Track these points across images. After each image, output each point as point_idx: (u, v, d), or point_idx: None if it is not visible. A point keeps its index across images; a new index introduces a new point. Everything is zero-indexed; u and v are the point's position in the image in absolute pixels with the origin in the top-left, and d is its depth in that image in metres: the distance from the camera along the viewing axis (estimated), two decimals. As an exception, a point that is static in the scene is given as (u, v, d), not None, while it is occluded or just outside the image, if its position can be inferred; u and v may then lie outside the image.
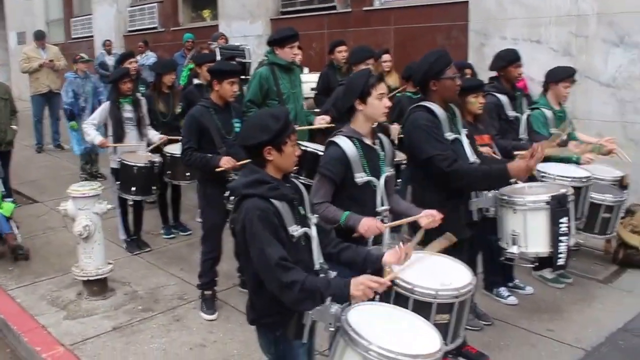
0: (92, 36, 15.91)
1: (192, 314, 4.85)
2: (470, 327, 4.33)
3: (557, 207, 3.65)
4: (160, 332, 4.58)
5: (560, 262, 3.71)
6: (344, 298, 2.47)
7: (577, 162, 4.88)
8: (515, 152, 4.09)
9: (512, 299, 4.97)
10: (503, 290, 5.01)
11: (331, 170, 3.18)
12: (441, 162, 3.43)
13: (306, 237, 2.68)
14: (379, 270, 2.75)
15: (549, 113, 5.03)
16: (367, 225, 3.10)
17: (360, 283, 2.46)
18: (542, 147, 3.52)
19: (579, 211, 4.50)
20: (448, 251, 3.21)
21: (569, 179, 4.33)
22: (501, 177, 3.51)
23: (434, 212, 3.21)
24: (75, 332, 4.57)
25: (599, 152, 4.99)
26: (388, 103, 3.22)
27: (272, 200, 2.54)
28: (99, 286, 5.13)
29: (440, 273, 3.00)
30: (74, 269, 5.10)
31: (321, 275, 2.66)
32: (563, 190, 3.75)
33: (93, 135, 5.99)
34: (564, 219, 3.67)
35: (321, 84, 6.92)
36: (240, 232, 2.56)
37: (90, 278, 5.05)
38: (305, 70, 8.29)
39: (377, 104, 3.18)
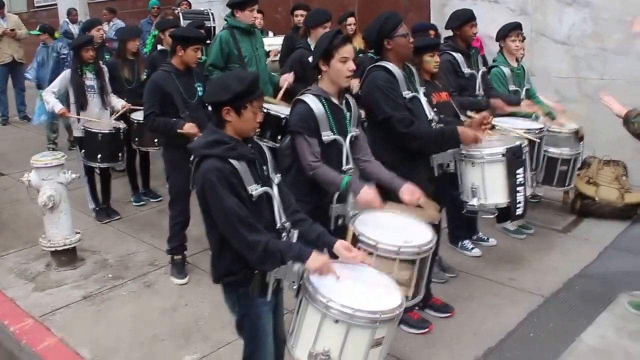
0: (55, 5, 15.24)
1: (162, 280, 4.73)
2: (435, 280, 4.35)
3: (513, 158, 3.68)
4: (131, 299, 4.46)
5: (519, 211, 3.75)
6: (301, 263, 2.46)
7: (536, 118, 4.87)
8: (468, 113, 4.04)
9: (476, 251, 4.98)
10: (467, 243, 5.02)
11: (303, 127, 3.07)
12: (398, 123, 3.38)
13: (268, 196, 2.60)
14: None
15: (507, 70, 5.04)
16: (365, 199, 3.00)
17: (320, 260, 2.44)
18: (491, 118, 3.65)
19: (534, 162, 4.51)
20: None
21: (523, 131, 4.32)
22: (452, 140, 3.52)
23: (415, 188, 3.14)
24: (44, 303, 4.41)
25: (549, 115, 5.01)
26: (352, 66, 3.08)
27: (231, 160, 2.46)
28: (67, 256, 4.95)
29: (403, 230, 2.96)
30: (41, 240, 4.91)
31: (283, 234, 2.61)
32: (518, 142, 3.76)
33: (53, 103, 5.70)
34: (520, 170, 3.69)
35: (285, 47, 6.73)
36: (199, 192, 2.49)
37: (58, 248, 4.87)
38: (270, 34, 8.08)
39: (340, 67, 3.05)
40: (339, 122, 3.17)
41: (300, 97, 3.16)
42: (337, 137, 3.14)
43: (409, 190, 3.13)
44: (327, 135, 3.10)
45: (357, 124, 3.33)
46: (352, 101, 3.32)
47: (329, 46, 3.03)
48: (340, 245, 2.63)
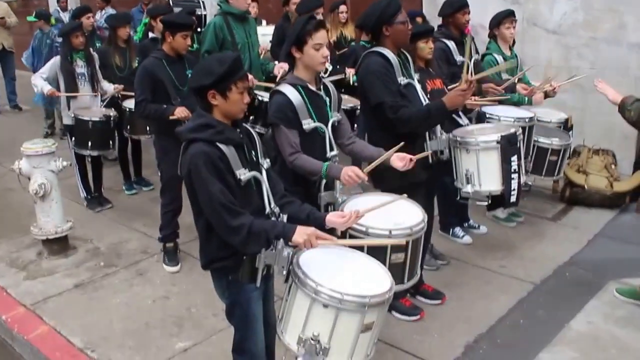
0: (45, -9, 15.08)
1: (155, 267, 4.71)
2: (427, 267, 4.35)
3: (508, 145, 3.68)
4: (123, 287, 4.43)
5: (512, 198, 3.76)
6: (287, 240, 2.44)
7: (529, 104, 4.87)
8: (450, 87, 4.02)
9: (467, 239, 4.99)
10: (458, 231, 5.03)
11: (281, 118, 3.01)
12: (387, 109, 3.37)
13: (257, 181, 2.58)
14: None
15: (500, 58, 5.01)
16: (347, 175, 2.95)
17: (305, 232, 2.41)
18: (473, 77, 3.52)
19: (524, 151, 4.50)
20: (407, 192, 3.14)
21: (513, 120, 4.31)
22: (440, 111, 3.42)
23: (406, 155, 3.09)
24: (35, 291, 4.38)
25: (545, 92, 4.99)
26: (326, 53, 3.00)
27: (219, 145, 2.42)
28: (59, 245, 4.92)
29: (393, 213, 2.94)
30: (33, 229, 4.86)
31: (272, 218, 2.58)
32: (513, 130, 3.76)
33: (40, 85, 5.60)
34: (514, 157, 3.70)
35: (276, 36, 6.67)
36: (186, 176, 2.46)
37: (50, 237, 4.83)
38: (263, 22, 8.03)
39: (313, 54, 2.96)
40: (318, 109, 3.10)
41: (277, 87, 3.10)
42: (318, 124, 3.07)
43: (399, 158, 3.09)
44: (308, 124, 3.03)
45: (338, 108, 3.27)
46: (330, 86, 3.25)
47: (302, 32, 2.94)
48: (331, 216, 2.61)
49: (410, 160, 3.09)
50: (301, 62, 3.04)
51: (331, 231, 2.66)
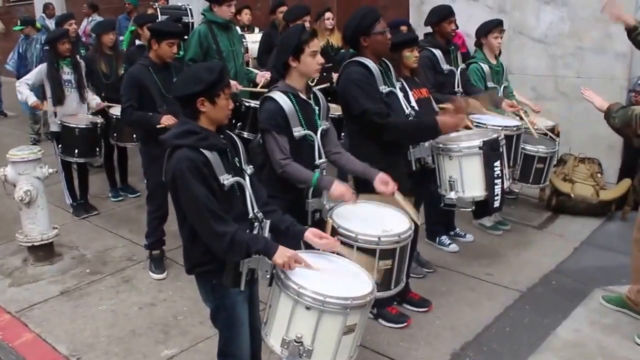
0: (31, -1, 15.05)
1: (141, 275, 4.71)
2: (413, 275, 4.37)
3: (490, 151, 3.70)
4: (109, 294, 4.43)
5: (496, 204, 3.77)
6: (267, 258, 2.50)
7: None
8: (440, 106, 4.07)
9: (454, 247, 5.02)
10: (445, 239, 5.06)
11: (272, 124, 3.05)
12: (374, 115, 3.40)
13: (240, 187, 2.63)
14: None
15: (486, 67, 5.06)
16: (339, 191, 3.01)
17: (286, 254, 2.46)
18: (466, 103, 3.66)
19: (511, 159, 4.55)
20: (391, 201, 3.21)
21: (501, 128, 4.36)
22: (430, 129, 3.51)
23: (388, 178, 3.15)
24: (21, 298, 4.37)
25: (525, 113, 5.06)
26: (321, 60, 3.10)
27: (202, 150, 2.49)
28: (45, 251, 4.90)
29: (381, 221, 3.01)
30: (18, 236, 4.85)
31: (255, 224, 2.63)
32: (495, 135, 3.78)
33: (26, 95, 5.61)
34: (497, 163, 3.73)
35: (263, 43, 6.74)
36: (171, 181, 2.51)
37: (35, 244, 4.82)
38: (256, 30, 8.08)
39: (310, 61, 3.06)
40: (308, 117, 3.16)
41: (269, 94, 3.14)
42: (308, 132, 3.13)
43: (382, 180, 3.15)
44: (298, 131, 3.09)
45: (327, 117, 3.33)
46: (319, 94, 3.31)
47: (299, 41, 3.02)
48: (310, 233, 2.66)
49: (393, 186, 3.15)
50: (297, 70, 3.10)
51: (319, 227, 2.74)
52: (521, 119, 4.92)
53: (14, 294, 4.44)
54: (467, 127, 4.01)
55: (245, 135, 4.72)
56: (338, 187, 3.01)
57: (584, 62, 6.32)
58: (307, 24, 5.11)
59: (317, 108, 3.23)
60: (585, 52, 6.30)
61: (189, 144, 2.48)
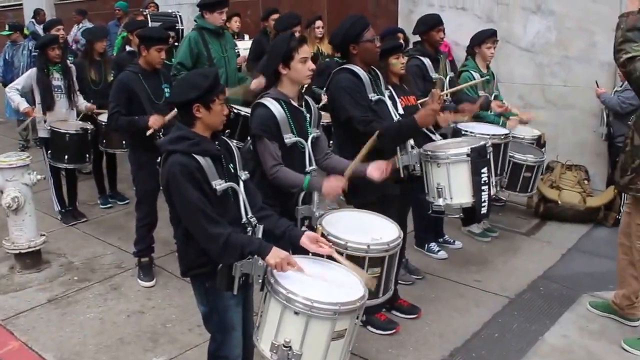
0: (21, 5, 14.96)
1: (129, 282, 4.66)
2: (402, 282, 4.37)
3: (477, 158, 3.69)
4: (97, 302, 4.38)
5: (483, 210, 3.76)
6: (261, 258, 2.51)
7: (503, 126, 4.93)
8: (420, 101, 4.06)
9: (442, 254, 5.02)
10: (433, 246, 5.06)
11: (264, 130, 3.05)
12: (358, 123, 3.41)
13: (235, 192, 2.66)
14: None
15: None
16: (329, 187, 3.00)
17: (279, 255, 2.48)
18: (440, 93, 3.60)
19: (499, 167, 4.56)
20: (379, 210, 3.22)
21: (489, 136, 4.37)
22: (411, 128, 3.46)
23: (381, 163, 3.15)
24: (7, 306, 4.30)
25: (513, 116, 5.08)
26: (312, 66, 3.10)
27: (196, 156, 2.52)
28: (32, 259, 4.85)
29: (370, 229, 3.01)
30: (5, 243, 4.80)
31: (249, 228, 2.66)
32: (482, 143, 3.79)
33: (17, 102, 5.56)
34: (484, 169, 3.72)
35: (253, 50, 6.76)
36: (165, 186, 2.56)
37: (22, 251, 4.77)
38: (246, 37, 8.09)
39: (301, 68, 3.06)
40: (299, 124, 3.16)
41: (260, 100, 3.14)
42: (299, 139, 3.13)
43: (375, 169, 3.15)
44: (289, 138, 3.09)
45: (318, 124, 3.33)
46: (311, 102, 3.32)
47: (288, 48, 3.03)
48: (306, 238, 2.67)
49: (385, 168, 3.15)
50: (287, 78, 3.10)
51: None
52: (508, 118, 4.95)
53: (0, 302, 4.37)
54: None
55: (234, 144, 4.69)
56: (328, 183, 3.00)
57: (570, 71, 6.37)
58: (297, 34, 5.11)
59: (308, 115, 3.23)
60: (571, 61, 6.35)
61: (181, 150, 2.52)
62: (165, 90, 4.50)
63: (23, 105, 5.57)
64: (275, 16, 6.76)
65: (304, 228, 2.99)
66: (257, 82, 5.14)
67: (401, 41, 4.40)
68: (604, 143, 5.97)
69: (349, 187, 3.14)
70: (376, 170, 3.15)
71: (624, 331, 3.83)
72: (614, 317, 3.96)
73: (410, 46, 5.06)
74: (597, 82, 5.77)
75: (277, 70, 3.09)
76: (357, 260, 2.80)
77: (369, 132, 3.37)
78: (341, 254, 2.79)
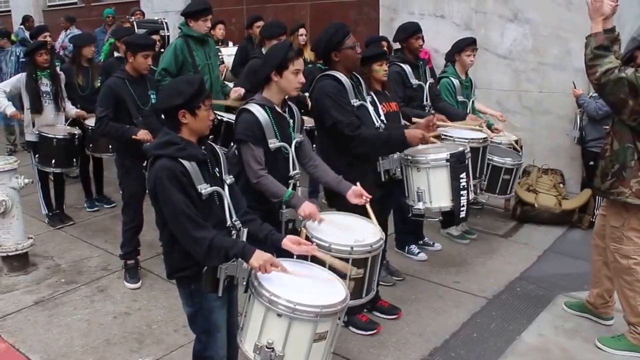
0: (9, 11, 14.84)
1: (116, 284, 4.64)
2: (383, 283, 4.39)
3: (456, 163, 3.74)
4: (84, 304, 4.36)
5: (462, 214, 3.81)
6: (245, 261, 2.53)
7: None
8: (414, 120, 4.12)
9: (422, 255, 5.05)
10: (414, 248, 5.09)
11: (248, 135, 3.08)
12: (345, 127, 3.43)
13: (220, 196, 2.67)
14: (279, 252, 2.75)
15: (456, 82, 5.13)
16: (307, 210, 3.04)
17: (262, 258, 2.49)
18: (437, 119, 3.70)
19: (478, 170, 4.61)
20: (361, 213, 3.25)
21: (467, 140, 4.42)
22: (399, 143, 3.55)
23: (362, 190, 3.21)
24: (-6, 308, 4.28)
25: (489, 126, 5.13)
26: (302, 79, 3.13)
27: (181, 160, 2.53)
28: (19, 261, 4.82)
29: (353, 231, 3.04)
30: (-8, 245, 4.76)
31: (233, 232, 2.68)
32: (461, 149, 3.84)
33: (3, 105, 5.55)
34: (463, 175, 3.77)
35: (238, 57, 6.78)
36: (151, 190, 2.56)
37: (10, 254, 4.73)
38: (230, 44, 8.10)
39: (292, 79, 3.09)
40: (283, 129, 3.19)
41: (245, 106, 3.16)
42: (283, 144, 3.16)
43: (355, 193, 3.21)
44: (273, 143, 3.12)
45: (301, 130, 3.37)
46: (294, 108, 3.35)
47: (285, 57, 3.06)
48: (288, 240, 2.70)
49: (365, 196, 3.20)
50: (277, 85, 3.12)
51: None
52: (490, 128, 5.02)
53: (-14, 305, 4.35)
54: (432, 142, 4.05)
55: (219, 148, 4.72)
56: (307, 207, 3.05)
57: (546, 77, 6.45)
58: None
59: (291, 121, 3.26)
60: (546, 68, 6.43)
61: (168, 154, 2.53)
62: (152, 96, 4.51)
63: (10, 109, 5.55)
64: (260, 23, 6.77)
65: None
66: (235, 91, 5.18)
67: (385, 49, 4.45)
68: (578, 147, 6.05)
69: (331, 192, 3.18)
70: (355, 198, 3.21)
71: (598, 330, 3.88)
72: (588, 317, 4.01)
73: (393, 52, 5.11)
74: (574, 83, 5.83)
75: (268, 76, 3.11)
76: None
77: (356, 137, 3.42)
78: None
